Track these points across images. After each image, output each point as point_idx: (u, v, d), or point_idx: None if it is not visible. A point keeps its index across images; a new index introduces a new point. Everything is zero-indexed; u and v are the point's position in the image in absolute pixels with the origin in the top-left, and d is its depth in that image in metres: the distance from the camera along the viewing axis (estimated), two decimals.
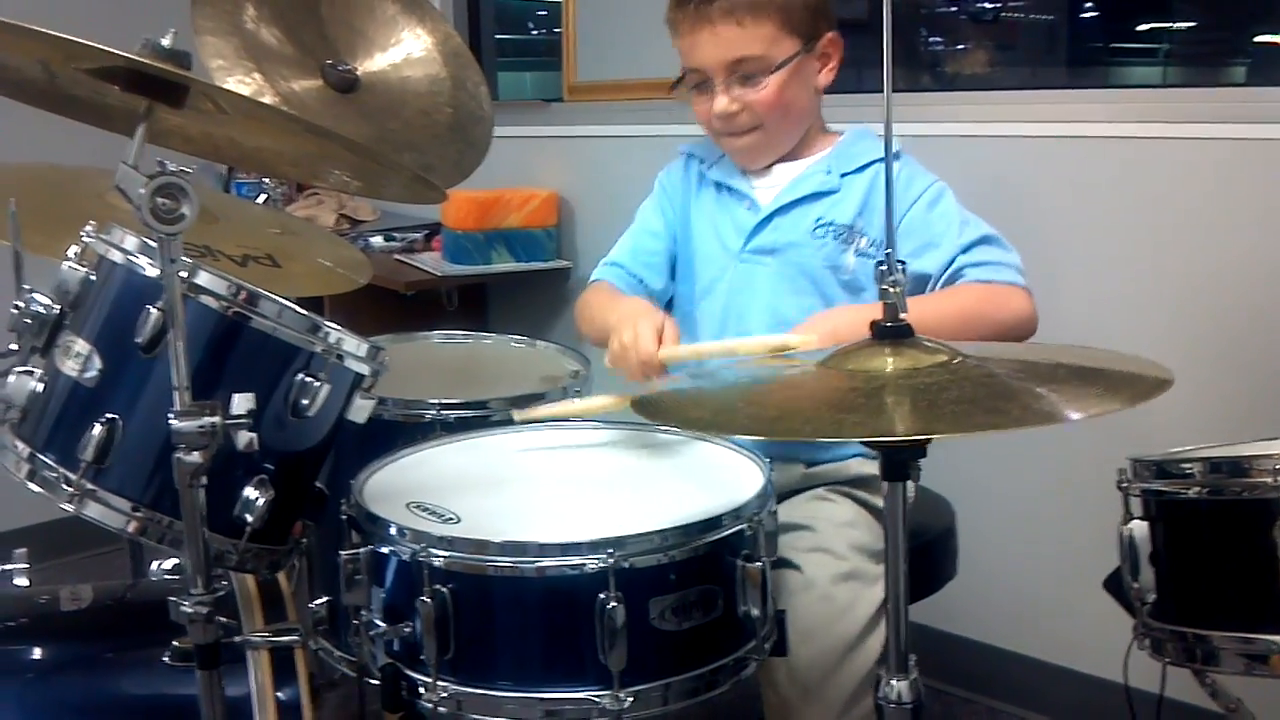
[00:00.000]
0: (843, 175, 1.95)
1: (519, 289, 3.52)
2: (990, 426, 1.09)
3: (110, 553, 2.87)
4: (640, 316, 1.75)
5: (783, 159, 2.00)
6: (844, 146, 2.00)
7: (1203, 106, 2.39)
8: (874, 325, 1.24)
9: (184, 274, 1.32)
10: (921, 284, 1.86)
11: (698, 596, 1.42)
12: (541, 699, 1.38)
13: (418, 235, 3.60)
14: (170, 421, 1.24)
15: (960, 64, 3.20)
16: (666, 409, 1.33)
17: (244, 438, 1.27)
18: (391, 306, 3.21)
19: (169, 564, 1.90)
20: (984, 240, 1.87)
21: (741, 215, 1.99)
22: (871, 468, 1.89)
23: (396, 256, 3.50)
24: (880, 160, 1.91)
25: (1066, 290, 2.43)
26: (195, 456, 1.24)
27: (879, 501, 1.87)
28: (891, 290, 1.21)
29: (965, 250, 1.85)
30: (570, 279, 3.44)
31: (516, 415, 1.81)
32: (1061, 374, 1.21)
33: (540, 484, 1.63)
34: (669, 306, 2.07)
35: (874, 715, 1.70)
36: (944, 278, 1.86)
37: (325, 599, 1.68)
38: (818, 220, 1.93)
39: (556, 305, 3.49)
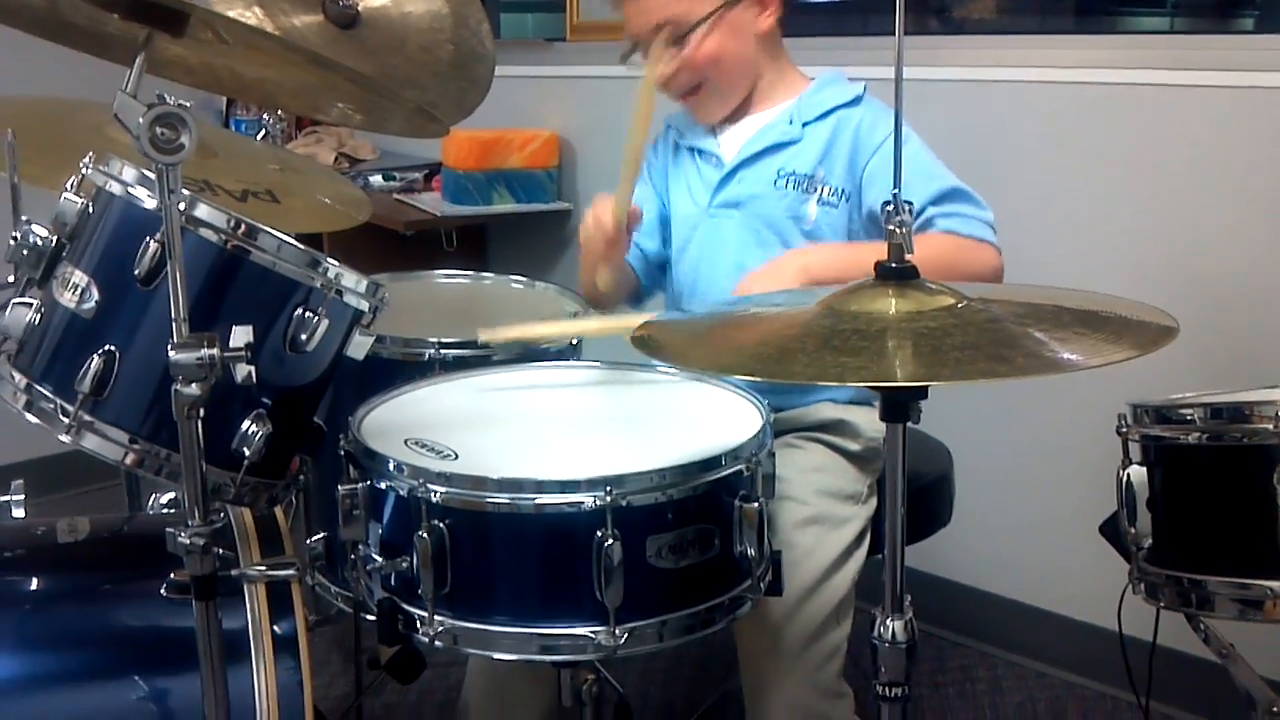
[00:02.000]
0: (804, 124, 1.95)
1: (519, 230, 3.50)
2: (994, 374, 1.09)
3: (107, 488, 2.88)
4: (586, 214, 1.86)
5: (749, 110, 2.01)
6: (809, 95, 1.99)
7: (1209, 54, 2.37)
8: (878, 266, 1.23)
9: (182, 206, 1.31)
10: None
11: (695, 535, 1.42)
12: (538, 634, 1.39)
13: (417, 175, 3.58)
14: (169, 353, 1.23)
15: (967, 8, 3.17)
16: (664, 347, 1.32)
17: (242, 371, 1.27)
18: (391, 246, 3.19)
19: (166, 498, 1.91)
20: (955, 193, 1.85)
21: (709, 173, 2.01)
22: (841, 412, 1.90)
23: (396, 196, 3.47)
24: (843, 106, 1.93)
25: (1068, 237, 2.42)
26: (193, 389, 1.23)
27: (851, 445, 1.88)
28: (898, 230, 1.20)
29: (935, 201, 1.84)
30: (571, 221, 3.42)
31: (482, 334, 1.82)
32: (1067, 320, 1.20)
33: (539, 422, 1.63)
34: (663, 269, 2.10)
35: (837, 655, 1.77)
36: (913, 228, 1.84)
37: (322, 535, 1.68)
38: (779, 171, 1.94)
39: (556, 247, 3.47)
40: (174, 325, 1.23)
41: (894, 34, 1.23)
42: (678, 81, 1.95)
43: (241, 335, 1.27)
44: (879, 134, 1.88)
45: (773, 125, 1.98)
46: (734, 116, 2.02)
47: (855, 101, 1.93)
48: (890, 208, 1.22)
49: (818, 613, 1.74)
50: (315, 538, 1.68)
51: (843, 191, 1.89)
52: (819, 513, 1.80)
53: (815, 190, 1.91)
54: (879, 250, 1.79)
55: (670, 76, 1.94)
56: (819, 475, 1.85)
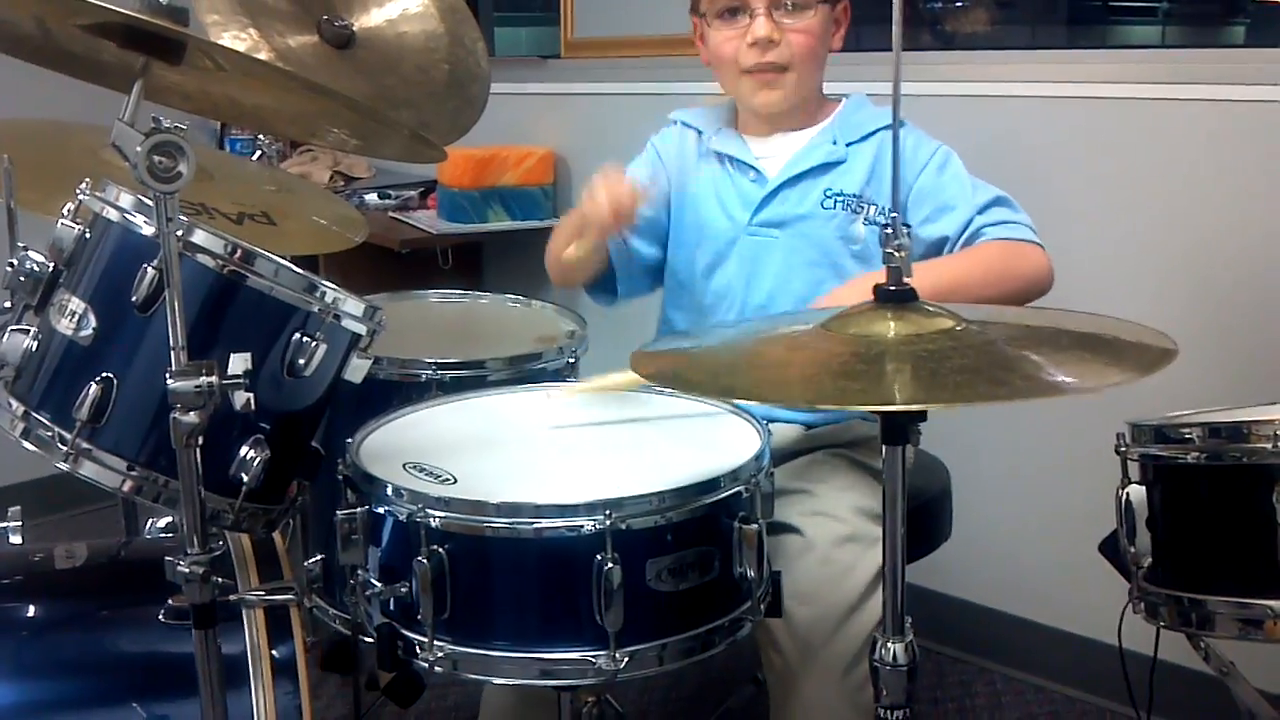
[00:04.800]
0: (848, 144, 1.94)
1: (515, 248, 3.50)
2: (993, 398, 1.09)
3: (104, 509, 2.87)
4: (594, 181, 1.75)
5: (795, 125, 1.98)
6: (846, 115, 1.98)
7: (1202, 68, 2.37)
8: (877, 289, 1.23)
9: (180, 232, 1.31)
10: (938, 248, 1.86)
11: (694, 558, 1.42)
12: (538, 659, 1.39)
13: (413, 193, 3.57)
14: (167, 381, 1.23)
15: (959, 22, 3.18)
16: (666, 371, 1.32)
17: (241, 398, 1.27)
18: (386, 265, 3.19)
19: (163, 522, 1.90)
20: (998, 201, 1.87)
21: (747, 187, 1.96)
22: (871, 429, 1.89)
23: (391, 214, 3.47)
24: (885, 128, 1.90)
25: (1064, 251, 2.41)
26: (192, 416, 1.23)
27: (879, 463, 1.87)
28: (896, 254, 1.20)
29: (981, 210, 1.85)
30: None
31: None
32: (1065, 342, 1.21)
33: (537, 445, 1.63)
34: (653, 275, 2.05)
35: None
36: (962, 239, 1.85)
37: (319, 557, 1.67)
38: (826, 191, 1.91)
39: None
40: (172, 353, 1.23)
41: (890, 49, 1.23)
42: (772, 54, 1.88)
43: (240, 363, 1.27)
44: (921, 156, 1.89)
45: (816, 145, 1.95)
46: (782, 128, 1.98)
47: (899, 122, 1.91)
48: (888, 230, 1.22)
49: (861, 631, 1.71)
50: (312, 560, 1.68)
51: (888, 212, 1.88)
52: (856, 530, 1.79)
53: (863, 210, 1.89)
54: (960, 264, 1.78)
55: (770, 43, 1.87)
56: (852, 494, 1.84)
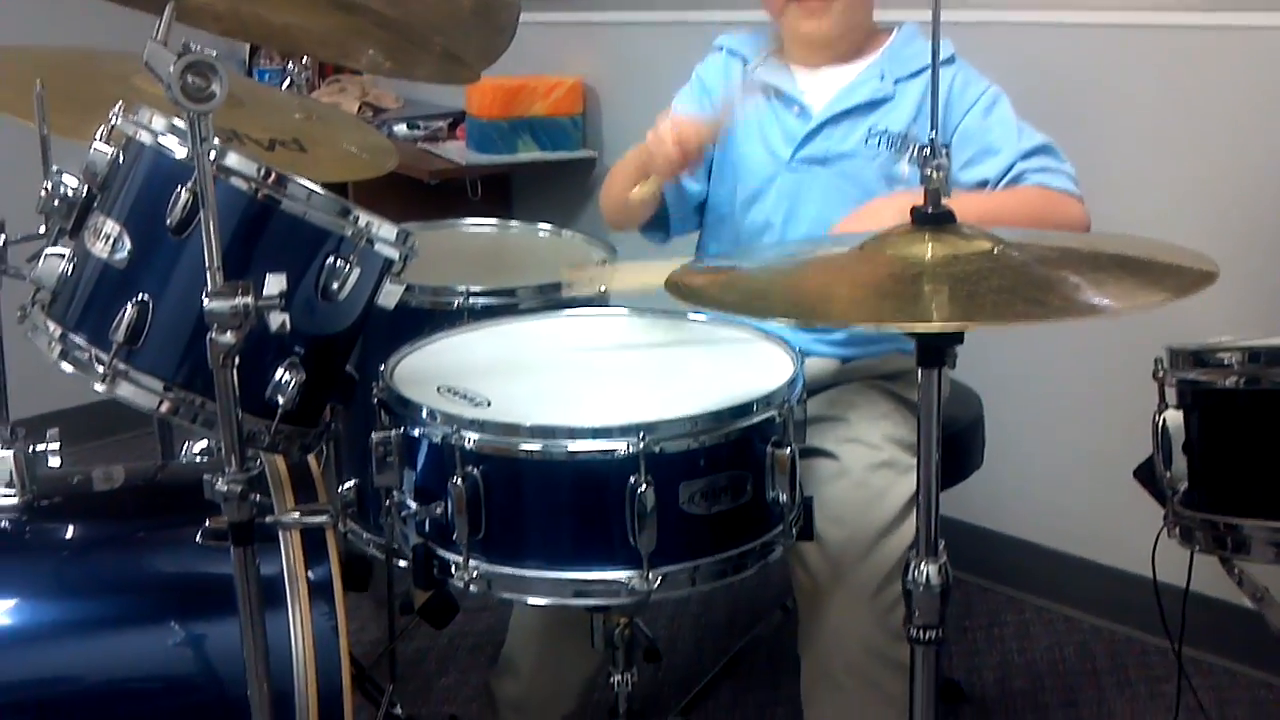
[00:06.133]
0: (896, 81, 1.90)
1: (544, 180, 3.49)
2: (1030, 318, 1.08)
3: (140, 436, 2.91)
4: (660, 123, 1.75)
5: (843, 58, 1.94)
6: (896, 49, 1.94)
7: None
8: (914, 211, 1.22)
9: (212, 155, 1.31)
10: (978, 191, 1.84)
11: (727, 481, 1.43)
12: (571, 579, 1.40)
13: (441, 124, 3.56)
14: (204, 302, 1.23)
15: None
16: (701, 292, 1.31)
17: (276, 319, 1.27)
18: (415, 196, 3.18)
19: (199, 447, 1.92)
20: (1043, 149, 1.84)
21: (791, 122, 1.93)
22: (907, 362, 1.87)
23: (420, 146, 3.46)
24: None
25: (1108, 180, 2.39)
26: (228, 337, 1.24)
27: (915, 395, 1.87)
28: (934, 175, 1.19)
29: (1025, 156, 1.83)
30: (596, 169, 3.40)
31: (566, 274, 1.82)
32: (1104, 264, 1.20)
33: (571, 370, 1.63)
34: (702, 210, 2.03)
35: (903, 600, 1.75)
36: (1004, 182, 1.83)
37: (353, 482, 1.68)
38: (871, 129, 1.88)
39: (581, 196, 3.45)
40: (208, 273, 1.23)
41: None
42: None
43: (275, 284, 1.27)
44: (970, 94, 1.86)
45: (863, 81, 1.92)
46: (829, 59, 1.94)
47: (949, 61, 1.88)
48: (927, 150, 1.20)
49: (892, 554, 1.73)
50: (347, 485, 1.69)
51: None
52: (890, 457, 1.80)
53: (908, 150, 1.86)
54: (996, 203, 1.78)
55: None
56: (887, 422, 1.85)
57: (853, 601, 1.73)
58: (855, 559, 1.72)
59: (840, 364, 1.91)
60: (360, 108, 3.68)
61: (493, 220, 2.36)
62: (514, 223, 2.36)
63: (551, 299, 1.89)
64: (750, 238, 1.95)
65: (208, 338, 1.25)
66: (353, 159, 2.09)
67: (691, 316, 1.77)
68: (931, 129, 1.23)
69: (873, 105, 1.89)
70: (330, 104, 3.51)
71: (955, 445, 2.02)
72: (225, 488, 1.29)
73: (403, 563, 1.56)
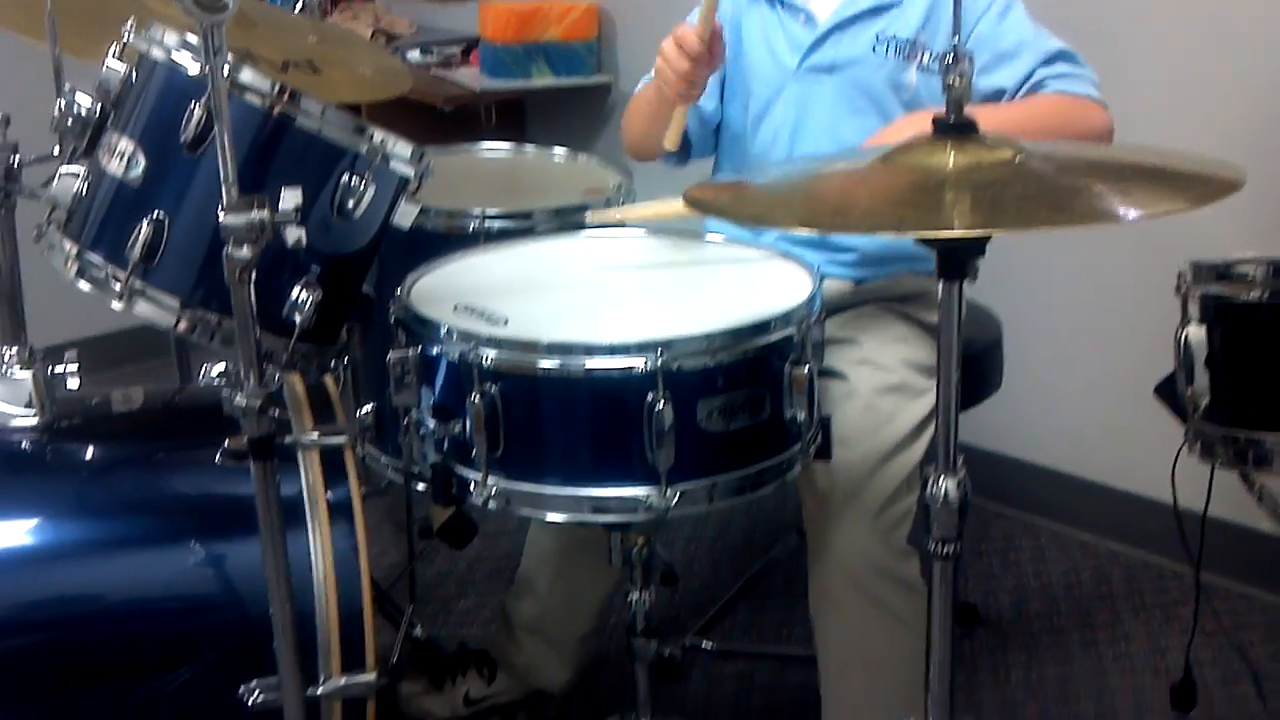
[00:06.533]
0: None
1: (558, 105, 3.46)
2: (1053, 224, 1.07)
3: (156, 365, 2.91)
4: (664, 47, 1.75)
5: None
6: None
7: None
8: (936, 120, 1.20)
9: (226, 70, 1.30)
10: (994, 100, 1.80)
11: (744, 399, 1.43)
12: (589, 496, 1.41)
13: (455, 49, 3.52)
14: (219, 216, 1.22)
15: None
16: (720, 203, 1.30)
17: (292, 234, 1.26)
18: (429, 123, 3.15)
19: (217, 369, 1.92)
20: (1061, 54, 1.81)
21: (797, 31, 1.90)
22: (923, 284, 1.87)
23: (434, 72, 3.43)
24: None
25: (1133, 90, 2.35)
26: (245, 251, 1.23)
27: (931, 317, 1.86)
28: (957, 83, 1.17)
29: (1045, 62, 1.79)
30: (611, 95, 3.36)
31: (591, 216, 1.81)
32: (1128, 173, 1.18)
33: (589, 288, 1.63)
34: (718, 132, 2.01)
35: (907, 519, 1.76)
36: (1022, 91, 1.80)
37: (371, 406, 1.69)
38: (878, 36, 1.84)
39: (596, 123, 3.42)
40: (224, 187, 1.23)
41: None
42: None
43: (291, 198, 1.26)
44: (982, 0, 1.82)
45: None
46: None
47: None
48: (950, 58, 1.18)
49: (895, 476, 1.74)
50: (365, 409, 1.70)
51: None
52: (902, 381, 1.80)
53: (916, 57, 1.83)
54: (1017, 113, 1.74)
55: None
56: (901, 345, 1.84)
57: (857, 520, 1.74)
58: (859, 480, 1.73)
59: (854, 286, 1.89)
60: (373, 34, 3.64)
61: (508, 144, 2.34)
62: (529, 147, 2.34)
63: (568, 222, 1.88)
64: (761, 152, 1.92)
65: (224, 253, 1.24)
66: (366, 81, 2.07)
67: (709, 237, 1.76)
68: (954, 33, 1.20)
69: (879, 10, 1.86)
70: (344, 28, 3.48)
71: (973, 367, 2.01)
72: (244, 402, 1.29)
73: (421, 485, 1.56)
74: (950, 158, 1.17)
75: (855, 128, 1.83)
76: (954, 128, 1.19)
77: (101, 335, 2.82)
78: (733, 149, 1.98)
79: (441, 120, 3.21)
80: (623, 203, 1.94)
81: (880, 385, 1.78)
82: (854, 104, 1.85)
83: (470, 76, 3.35)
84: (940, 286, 1.20)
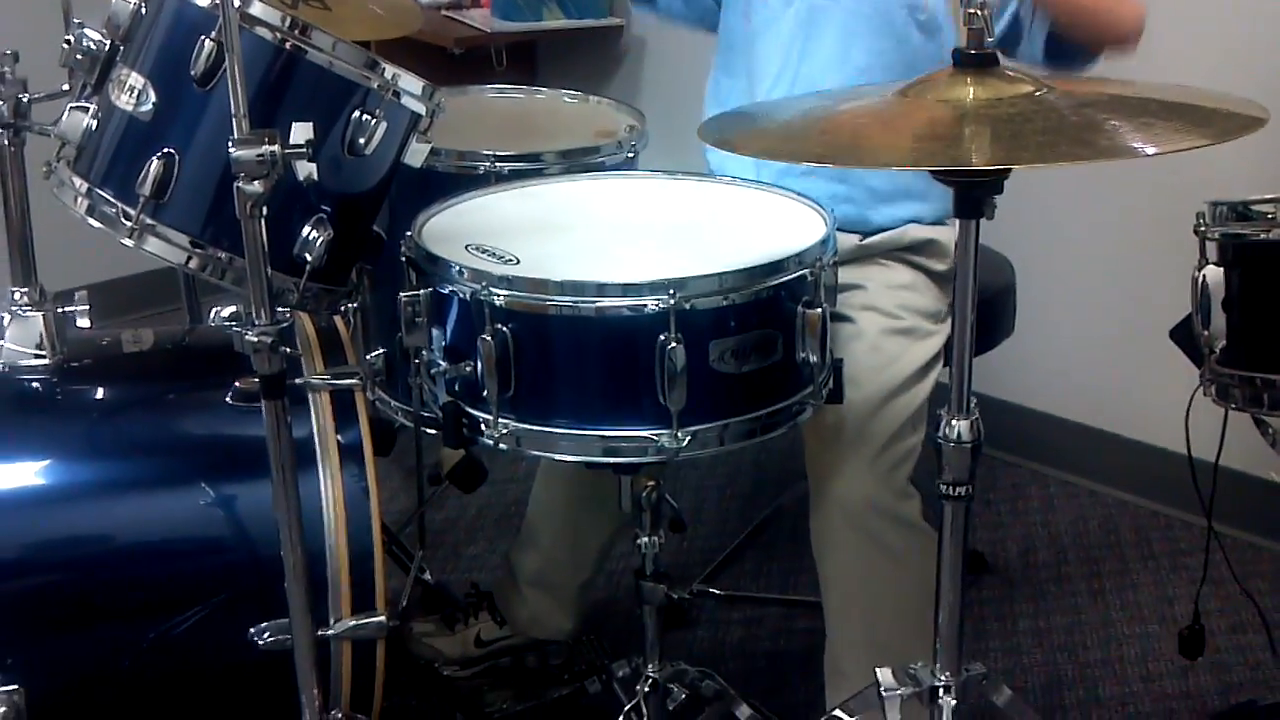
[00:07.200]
0: None
1: (570, 48, 3.43)
2: (1075, 158, 1.05)
3: (166, 311, 2.91)
4: None
5: None
6: None
7: None
8: (956, 53, 1.19)
9: (237, 3, 1.28)
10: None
11: (757, 340, 1.42)
12: (600, 436, 1.40)
13: None
14: (230, 150, 1.21)
15: None
16: (736, 136, 1.29)
17: (303, 168, 1.25)
18: (440, 65, 3.13)
19: (227, 311, 1.91)
20: None
21: None
22: (929, 232, 1.85)
23: (445, 13, 3.39)
24: None
25: (1157, 26, 2.32)
26: (256, 186, 1.22)
27: (937, 265, 1.85)
28: (979, 14, 1.15)
29: None
30: (623, 37, 3.33)
31: None
32: (1150, 109, 1.16)
33: (601, 229, 1.62)
34: (703, 17, 1.98)
35: (909, 460, 1.75)
36: None
37: (381, 351, 1.68)
38: None
39: (608, 65, 3.39)
40: (234, 121, 1.21)
41: None
42: None
43: (302, 132, 1.25)
44: None
45: None
46: None
47: None
48: None
49: (898, 416, 1.74)
50: (374, 354, 1.69)
51: None
52: (910, 325, 1.79)
53: None
54: None
55: None
56: (906, 292, 1.82)
57: (859, 458, 1.73)
58: (865, 417, 1.72)
59: (860, 240, 1.85)
60: None
61: (519, 86, 2.32)
62: (540, 89, 2.32)
63: (579, 164, 1.86)
64: (763, 68, 1.86)
65: (235, 187, 1.23)
66: (377, 18, 2.06)
67: (722, 180, 1.75)
68: None
69: None
70: None
71: (986, 312, 1.99)
72: (255, 339, 1.28)
73: (431, 430, 1.55)
74: (970, 91, 1.15)
75: (867, 49, 1.78)
76: (975, 60, 1.17)
77: (109, 281, 2.81)
78: (731, 59, 1.92)
79: (452, 62, 3.18)
80: (634, 145, 1.92)
81: (886, 328, 1.78)
82: (867, 24, 1.78)
83: (481, 18, 3.31)
84: (955, 225, 1.19)
